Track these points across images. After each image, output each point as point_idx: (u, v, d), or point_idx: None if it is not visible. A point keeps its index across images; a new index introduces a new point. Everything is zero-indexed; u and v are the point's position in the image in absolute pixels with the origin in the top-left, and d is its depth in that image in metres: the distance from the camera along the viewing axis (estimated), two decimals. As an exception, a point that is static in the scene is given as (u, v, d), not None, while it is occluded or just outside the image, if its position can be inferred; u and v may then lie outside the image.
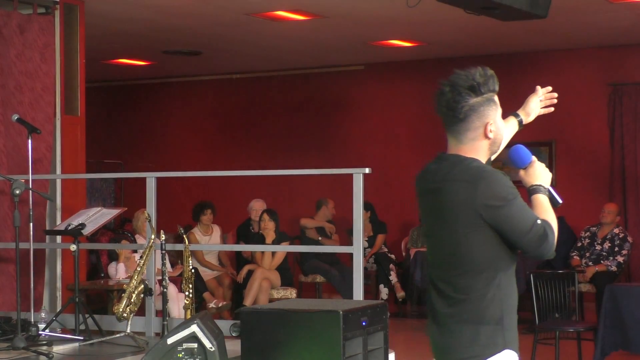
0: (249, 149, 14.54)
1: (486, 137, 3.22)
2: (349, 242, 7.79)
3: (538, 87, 3.91)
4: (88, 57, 9.39)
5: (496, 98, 3.25)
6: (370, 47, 12.33)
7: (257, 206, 11.29)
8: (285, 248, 10.48)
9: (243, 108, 14.78)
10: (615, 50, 12.34)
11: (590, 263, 10.63)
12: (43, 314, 6.76)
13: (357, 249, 6.21)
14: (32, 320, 6.68)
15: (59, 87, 8.70)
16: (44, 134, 8.10)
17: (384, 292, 11.88)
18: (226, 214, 12.61)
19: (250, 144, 14.61)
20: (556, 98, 3.98)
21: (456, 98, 3.22)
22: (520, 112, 3.83)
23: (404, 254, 12.35)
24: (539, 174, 3.30)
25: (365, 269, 10.20)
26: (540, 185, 3.27)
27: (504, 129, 3.31)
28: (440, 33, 11.38)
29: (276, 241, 10.30)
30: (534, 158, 3.32)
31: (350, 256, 6.49)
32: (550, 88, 3.96)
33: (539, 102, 3.90)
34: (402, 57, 13.10)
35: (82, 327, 6.63)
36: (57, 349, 6.22)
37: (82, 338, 6.51)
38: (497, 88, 3.26)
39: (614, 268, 10.49)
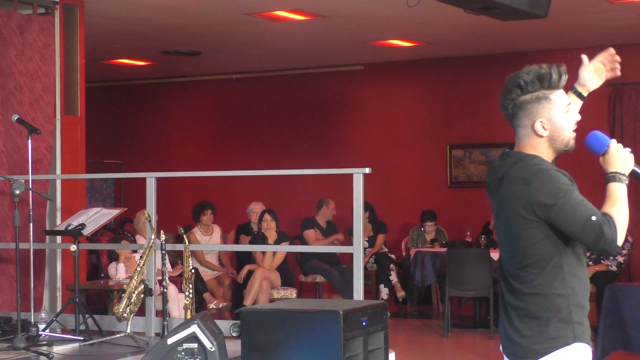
0: (249, 149, 14.54)
1: (537, 134, 3.28)
2: (349, 242, 7.79)
3: (583, 56, 3.79)
4: (88, 57, 9.39)
5: (555, 95, 3.27)
6: (370, 47, 12.32)
7: (257, 209, 11.28)
8: (285, 248, 10.48)
9: (243, 108, 14.78)
10: (615, 50, 12.31)
11: (591, 263, 10.63)
12: (43, 314, 6.76)
13: (357, 249, 6.21)
14: (32, 320, 6.68)
15: (59, 87, 8.69)
16: (44, 134, 8.10)
17: (384, 292, 11.88)
18: (226, 214, 12.61)
19: (250, 143, 14.62)
20: (618, 61, 3.93)
21: (505, 95, 3.34)
22: (576, 85, 3.72)
23: (404, 253, 12.35)
24: (615, 160, 3.26)
25: (365, 268, 10.20)
26: (616, 173, 3.23)
27: (567, 126, 3.29)
28: (440, 33, 11.38)
29: (276, 241, 10.30)
30: (611, 143, 3.27)
31: (350, 256, 6.49)
32: (611, 50, 3.92)
33: (593, 70, 3.78)
34: (402, 57, 13.10)
35: (82, 327, 6.63)
36: (57, 349, 6.21)
37: (82, 338, 6.51)
38: (557, 84, 3.27)
39: (614, 268, 10.49)
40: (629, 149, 3.27)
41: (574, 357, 3.24)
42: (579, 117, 3.36)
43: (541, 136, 3.27)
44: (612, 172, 3.24)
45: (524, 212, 3.18)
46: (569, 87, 3.52)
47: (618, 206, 3.17)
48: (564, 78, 3.30)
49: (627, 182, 3.22)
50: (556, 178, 3.20)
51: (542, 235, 3.20)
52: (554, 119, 3.27)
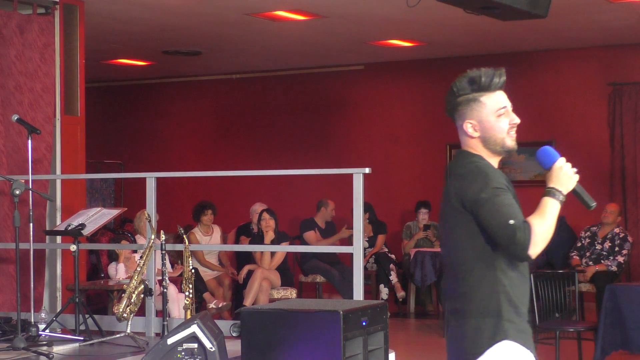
0: (249, 149, 14.54)
1: (468, 135, 3.35)
2: (349, 242, 7.79)
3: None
4: (88, 57, 9.39)
5: (486, 98, 3.33)
6: (370, 47, 12.33)
7: (260, 210, 11.27)
8: (285, 248, 10.48)
9: (243, 108, 14.78)
10: (615, 50, 12.34)
11: (591, 263, 10.62)
12: (43, 314, 6.76)
13: (357, 249, 6.21)
14: (32, 320, 6.68)
15: (58, 87, 8.69)
16: (43, 134, 8.10)
17: (384, 292, 11.88)
18: (226, 214, 12.61)
19: (250, 143, 14.62)
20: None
21: (445, 98, 3.41)
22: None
23: (403, 253, 12.36)
24: (555, 176, 3.28)
25: (365, 269, 10.20)
26: (553, 188, 3.26)
27: (498, 128, 3.34)
28: (440, 33, 11.38)
29: (276, 241, 10.30)
30: (557, 161, 3.30)
31: (350, 256, 6.49)
32: None
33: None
34: (402, 57, 13.10)
35: (82, 327, 6.63)
36: (57, 349, 6.21)
37: (82, 338, 6.51)
38: (487, 87, 3.32)
39: (614, 268, 10.49)
40: (575, 170, 3.29)
41: (502, 356, 3.22)
42: (517, 121, 3.38)
43: (472, 137, 3.34)
44: (549, 187, 3.27)
45: (457, 204, 3.25)
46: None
47: (542, 218, 3.19)
48: (497, 81, 3.33)
49: (562, 199, 3.24)
50: (490, 176, 3.25)
51: (474, 230, 3.24)
52: (484, 120, 3.33)
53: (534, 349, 3.32)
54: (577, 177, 3.28)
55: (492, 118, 3.33)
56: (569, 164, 3.29)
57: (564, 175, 3.27)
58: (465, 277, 3.27)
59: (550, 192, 3.25)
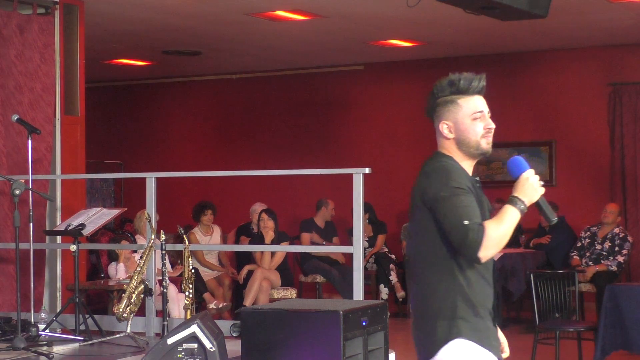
0: (249, 149, 14.54)
1: (444, 136, 3.41)
2: (349, 242, 7.79)
3: None
4: (88, 57, 9.39)
5: (463, 100, 3.39)
6: (370, 47, 12.33)
7: (259, 209, 11.28)
8: (285, 248, 10.48)
9: (243, 108, 14.78)
10: (615, 50, 12.34)
11: (591, 263, 10.63)
12: (43, 314, 6.76)
13: (357, 249, 6.21)
14: (32, 320, 6.67)
15: (58, 87, 8.69)
16: (43, 134, 8.10)
17: (384, 292, 11.88)
18: (226, 214, 12.61)
19: (250, 143, 14.62)
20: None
21: (426, 100, 3.49)
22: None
23: (404, 253, 12.36)
24: (520, 187, 3.30)
25: (365, 269, 10.20)
26: (516, 197, 3.28)
27: (472, 131, 3.38)
28: (440, 33, 11.38)
29: (276, 241, 10.30)
30: (525, 172, 3.34)
31: (350, 256, 6.49)
32: None
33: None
34: (402, 57, 13.10)
35: (82, 327, 6.63)
36: (57, 349, 6.21)
37: (82, 338, 6.51)
38: (465, 90, 3.38)
39: (614, 268, 10.49)
40: (541, 183, 3.33)
41: (454, 355, 3.24)
42: (492, 126, 3.43)
43: (447, 138, 3.40)
44: (513, 196, 3.29)
45: (419, 202, 3.30)
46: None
47: (499, 224, 3.21)
48: (475, 85, 3.38)
49: (522, 208, 3.25)
50: (453, 176, 3.28)
51: (433, 229, 3.27)
52: (459, 122, 3.39)
53: (497, 348, 3.32)
54: (542, 190, 3.31)
55: (468, 121, 3.38)
56: (537, 177, 3.32)
57: (529, 187, 3.29)
58: (425, 278, 3.31)
59: (512, 201, 3.27)
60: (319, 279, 11.62)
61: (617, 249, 10.57)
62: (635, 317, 7.61)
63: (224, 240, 11.63)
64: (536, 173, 3.41)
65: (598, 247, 10.70)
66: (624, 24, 10.87)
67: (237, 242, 11.61)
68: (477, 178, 3.46)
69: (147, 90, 15.47)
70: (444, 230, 3.22)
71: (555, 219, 3.37)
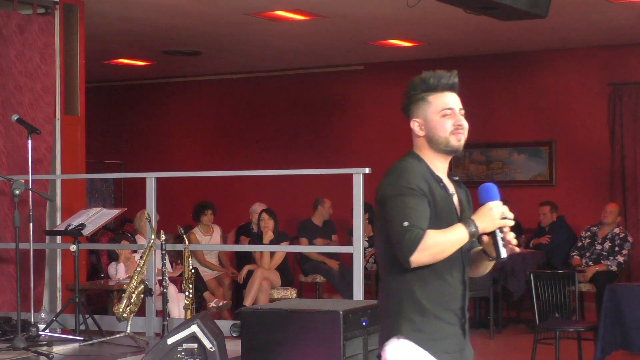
0: (249, 149, 14.54)
1: (416, 134, 3.40)
2: (349, 242, 7.79)
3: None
4: (88, 57, 9.39)
5: (434, 97, 3.39)
6: (370, 47, 12.32)
7: (259, 209, 11.27)
8: (285, 248, 10.48)
9: (243, 108, 14.77)
10: (615, 50, 12.34)
11: (591, 263, 10.62)
12: (43, 314, 6.76)
13: (357, 249, 6.21)
14: (32, 320, 6.68)
15: (58, 87, 8.69)
16: (43, 134, 8.10)
17: (384, 292, 11.86)
18: (226, 214, 12.61)
19: (250, 143, 14.61)
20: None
21: (402, 98, 3.51)
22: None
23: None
24: (481, 214, 3.23)
25: (365, 268, 10.20)
26: (472, 220, 3.22)
27: (441, 128, 3.36)
28: (440, 33, 11.38)
29: (275, 241, 10.30)
30: (491, 202, 3.24)
31: (350, 256, 6.49)
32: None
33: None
34: (402, 57, 13.10)
35: (82, 327, 6.63)
36: (57, 349, 6.22)
37: (82, 338, 6.52)
38: (435, 87, 3.38)
39: (614, 268, 10.49)
40: (511, 216, 3.22)
41: (391, 354, 3.22)
42: (462, 124, 3.38)
43: (419, 136, 3.39)
44: (470, 218, 3.24)
45: (376, 199, 3.29)
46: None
47: (442, 235, 3.17)
48: (445, 82, 3.38)
49: (473, 231, 3.18)
50: (405, 177, 3.25)
51: (386, 231, 3.25)
52: (429, 119, 3.38)
53: (443, 352, 3.22)
54: (501, 224, 3.22)
55: (436, 117, 3.37)
56: (502, 210, 3.23)
57: (489, 217, 3.21)
58: (382, 276, 3.31)
59: (467, 222, 3.22)
60: (319, 279, 11.61)
61: (617, 249, 10.57)
62: (635, 317, 7.61)
63: (224, 240, 11.62)
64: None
65: (598, 247, 10.69)
66: (624, 24, 10.87)
67: (237, 242, 11.61)
68: (456, 178, 3.44)
69: (147, 90, 15.46)
70: (387, 228, 3.21)
71: (504, 257, 3.24)
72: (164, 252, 6.33)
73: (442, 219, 3.24)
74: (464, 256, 3.33)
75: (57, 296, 8.52)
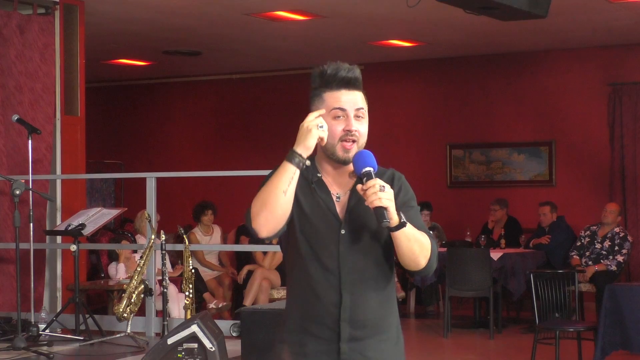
0: (249, 149, 14.54)
1: None
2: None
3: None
4: (88, 57, 9.39)
5: (329, 94, 2.93)
6: (370, 47, 12.32)
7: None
8: (285, 248, 10.47)
9: (243, 108, 14.78)
10: (615, 50, 12.34)
11: (590, 262, 10.62)
12: (43, 314, 6.77)
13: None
14: (33, 320, 6.68)
15: (59, 87, 8.70)
16: (44, 134, 8.10)
17: (384, 292, 11.86)
18: (226, 214, 12.61)
19: (250, 143, 14.62)
20: None
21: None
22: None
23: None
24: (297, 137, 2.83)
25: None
26: (293, 151, 2.85)
27: (331, 131, 2.92)
28: (440, 33, 11.38)
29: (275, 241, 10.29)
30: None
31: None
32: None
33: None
34: (402, 57, 13.10)
35: (82, 327, 6.64)
36: (58, 349, 6.22)
37: (82, 338, 6.52)
38: (331, 82, 2.92)
39: (614, 267, 10.49)
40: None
41: None
42: (352, 128, 2.95)
43: None
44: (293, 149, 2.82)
45: None
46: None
47: (266, 186, 2.84)
48: (342, 76, 2.90)
49: (291, 155, 2.83)
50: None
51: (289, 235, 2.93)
52: (324, 120, 2.89)
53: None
54: (314, 125, 2.83)
55: (328, 119, 2.90)
56: (312, 117, 2.86)
57: (301, 131, 2.86)
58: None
59: (290, 155, 2.81)
60: (319, 279, 11.61)
61: (617, 248, 10.57)
62: (635, 317, 7.61)
63: (224, 240, 11.63)
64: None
65: (598, 246, 10.69)
66: (624, 24, 10.87)
67: (237, 242, 11.60)
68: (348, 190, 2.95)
69: (147, 90, 15.47)
70: None
71: (386, 221, 2.76)
72: (164, 252, 6.33)
73: (312, 222, 2.87)
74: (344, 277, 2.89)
75: (57, 296, 8.53)
